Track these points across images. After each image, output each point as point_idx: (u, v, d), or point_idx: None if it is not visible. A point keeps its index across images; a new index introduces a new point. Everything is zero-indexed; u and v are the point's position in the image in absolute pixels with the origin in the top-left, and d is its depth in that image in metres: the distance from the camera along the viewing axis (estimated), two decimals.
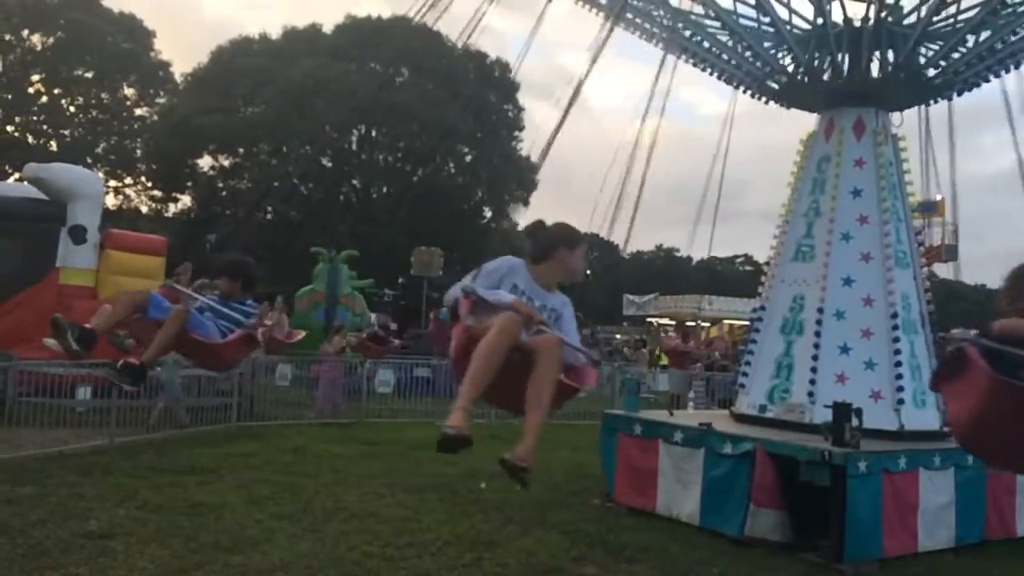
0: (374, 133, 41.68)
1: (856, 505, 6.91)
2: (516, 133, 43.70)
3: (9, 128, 41.60)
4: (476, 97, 40.49)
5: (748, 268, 70.58)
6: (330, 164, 41.52)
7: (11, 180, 31.78)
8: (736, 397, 9.53)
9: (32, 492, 7.99)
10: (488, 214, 45.09)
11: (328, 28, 42.47)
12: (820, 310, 8.44)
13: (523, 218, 46.45)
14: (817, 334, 8.37)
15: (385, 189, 42.77)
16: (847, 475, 6.87)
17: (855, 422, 7.13)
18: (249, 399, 13.62)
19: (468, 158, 42.60)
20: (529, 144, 42.61)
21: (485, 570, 6.36)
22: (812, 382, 8.23)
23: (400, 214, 38.18)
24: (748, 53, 9.32)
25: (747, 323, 28.59)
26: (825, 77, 9.17)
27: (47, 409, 11.38)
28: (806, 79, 9.20)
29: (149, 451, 10.51)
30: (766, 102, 9.56)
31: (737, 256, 76.26)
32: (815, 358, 8.32)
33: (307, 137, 38.97)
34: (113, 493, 8.08)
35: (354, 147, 42.01)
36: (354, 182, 42.60)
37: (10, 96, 41.05)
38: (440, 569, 6.31)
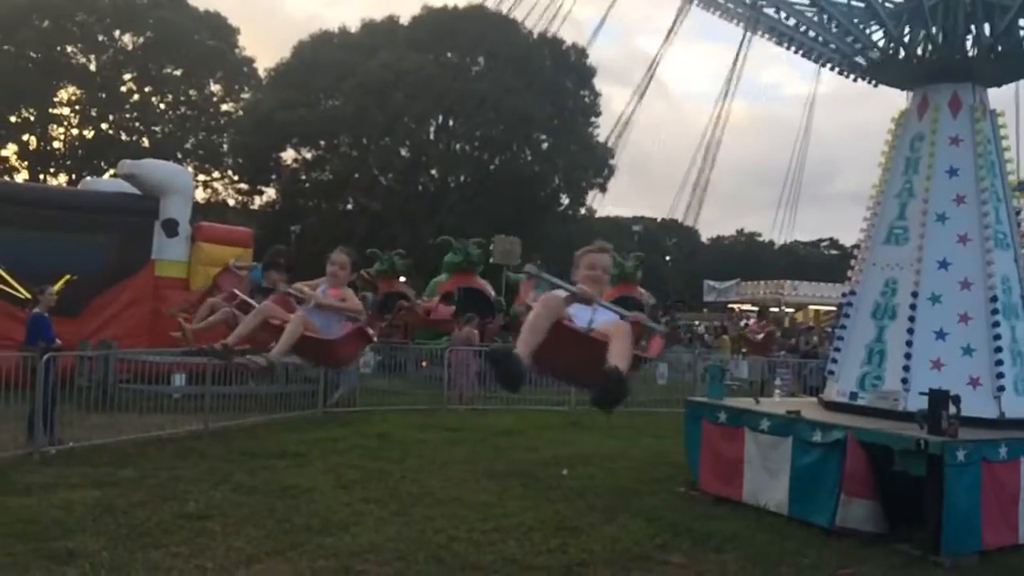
0: (451, 123, 42.01)
1: (954, 496, 6.66)
2: (593, 119, 43.45)
3: (103, 126, 43.37)
4: (552, 84, 40.43)
5: (834, 252, 68.67)
6: (408, 155, 42.02)
7: (107, 176, 33.21)
8: (825, 384, 9.29)
9: (133, 475, 8.35)
10: (565, 201, 45.00)
11: (405, 20, 42.94)
12: (914, 294, 8.14)
13: (600, 205, 46.25)
14: (911, 319, 8.08)
15: (463, 178, 43.10)
16: (944, 465, 6.62)
17: (952, 410, 6.87)
18: (334, 386, 13.92)
19: (545, 145, 42.58)
20: (606, 130, 42.24)
21: (570, 556, 6.37)
22: (906, 368, 7.94)
23: (478, 203, 38.42)
24: (836, 28, 9.01)
25: (833, 308, 27.81)
26: (919, 52, 8.82)
27: (145, 395, 11.88)
28: (899, 55, 8.85)
29: (241, 436, 10.86)
30: (854, 80, 9.23)
31: (822, 240, 74.18)
32: (909, 344, 8.02)
33: (386, 128, 39.52)
34: (209, 476, 8.38)
35: (432, 137, 42.43)
36: (432, 172, 43.03)
37: (104, 95, 42.76)
38: (526, 554, 6.34)
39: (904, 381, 7.92)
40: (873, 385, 8.20)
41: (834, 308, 27.17)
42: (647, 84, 9.89)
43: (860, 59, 9.04)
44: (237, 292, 6.41)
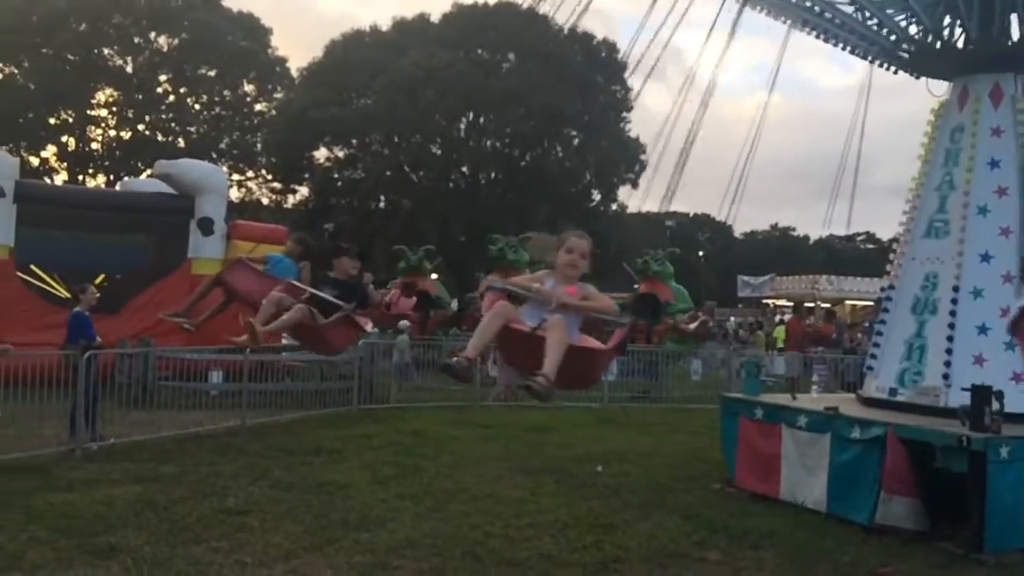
0: (482, 120, 42.04)
1: (997, 492, 6.54)
2: (624, 114, 43.25)
3: (140, 127, 44.03)
4: (583, 79, 40.32)
5: (870, 246, 67.80)
6: (439, 152, 42.14)
7: (143, 177, 33.69)
8: (863, 380, 9.17)
9: (173, 471, 8.48)
10: (596, 197, 44.87)
11: (436, 18, 43.07)
12: (956, 288, 7.99)
13: (632, 200, 46.02)
14: (952, 313, 7.93)
15: (493, 175, 43.14)
16: (987, 461, 6.51)
17: (995, 406, 6.75)
18: (368, 383, 14.01)
19: (575, 141, 42.47)
20: (638, 125, 42.12)
21: (606, 553, 6.35)
22: (947, 364, 7.79)
23: (509, 199, 38.43)
24: (873, 22, 8.86)
25: (870, 303, 27.37)
26: (958, 43, 8.65)
27: (184, 392, 12.05)
28: (936, 46, 8.69)
29: (278, 432, 10.97)
30: (895, 72, 9.07)
31: (858, 234, 73.21)
32: (950, 339, 7.87)
33: (417, 126, 39.69)
34: (247, 472, 8.48)
35: (462, 134, 42.48)
36: (463, 169, 43.11)
37: (140, 96, 43.40)
38: (561, 551, 6.34)
39: (945, 377, 7.78)
40: (913, 381, 8.07)
41: (870, 303, 26.81)
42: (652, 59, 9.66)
43: (901, 52, 8.88)
44: (300, 285, 5.90)
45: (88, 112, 43.16)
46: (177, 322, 6.52)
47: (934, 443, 6.86)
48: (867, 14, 8.80)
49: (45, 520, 6.54)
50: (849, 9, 8.84)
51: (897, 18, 8.87)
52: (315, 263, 6.66)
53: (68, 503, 7.06)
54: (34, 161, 40.93)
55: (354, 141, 42.44)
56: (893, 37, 8.83)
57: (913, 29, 8.81)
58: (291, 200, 47.05)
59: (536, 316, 4.25)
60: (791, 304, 25.36)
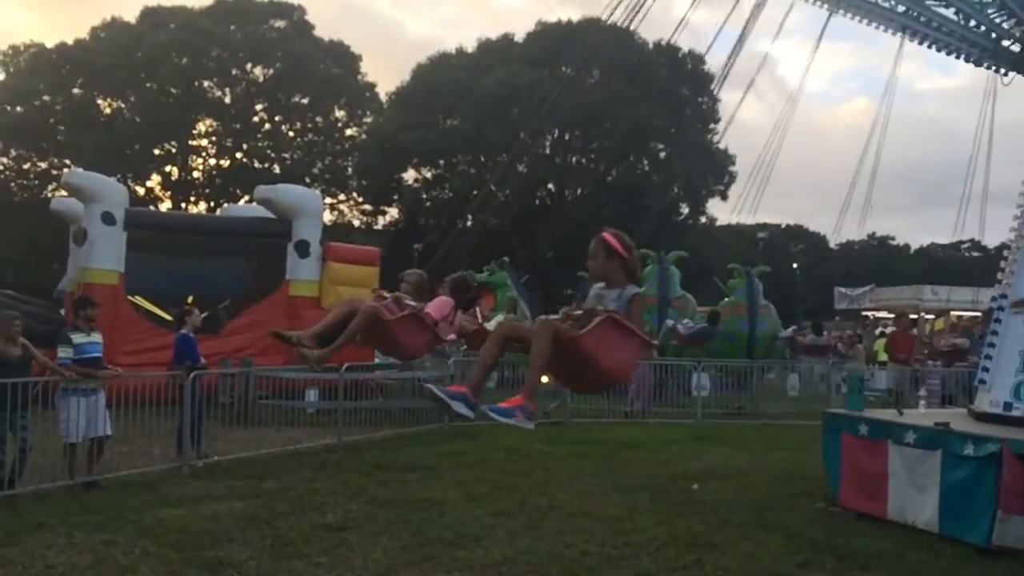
0: (567, 136, 42.11)
1: None
2: (712, 126, 42.68)
3: (238, 155, 45.80)
4: (669, 92, 39.99)
5: (976, 254, 64.76)
6: (525, 170, 42.30)
7: (242, 203, 34.98)
8: (975, 394, 8.74)
9: (274, 487, 8.69)
10: (685, 210, 44.34)
11: (520, 37, 43.46)
12: None
13: (721, 212, 45.24)
14: None
15: (580, 190, 43.11)
16: None
17: None
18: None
19: (662, 154, 42.11)
20: (727, 137, 41.49)
21: (706, 572, 6.20)
22: None
23: (597, 214, 38.26)
24: (972, 23, 8.51)
25: (977, 314, 26.12)
26: None
27: (282, 410, 12.38)
28: None
29: (373, 449, 11.13)
30: (1004, 74, 8.69)
31: (962, 242, 69.98)
32: None
33: (503, 145, 40.01)
34: (344, 488, 8.63)
35: (548, 151, 42.61)
36: (549, 186, 43.22)
37: (238, 126, 45.18)
38: (660, 570, 6.22)
39: None
40: None
41: (978, 314, 25.60)
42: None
43: (1008, 52, 8.52)
44: None
45: (189, 142, 45.15)
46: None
47: None
48: (965, 15, 8.48)
49: (156, 535, 6.78)
50: (950, 13, 8.54)
51: (998, 19, 8.51)
52: None
53: (177, 518, 7.30)
54: (140, 191, 42.96)
55: (441, 162, 43.12)
56: (994, 35, 8.48)
57: (1018, 32, 8.44)
58: (381, 221, 48.08)
59: None
60: (892, 316, 24.40)
